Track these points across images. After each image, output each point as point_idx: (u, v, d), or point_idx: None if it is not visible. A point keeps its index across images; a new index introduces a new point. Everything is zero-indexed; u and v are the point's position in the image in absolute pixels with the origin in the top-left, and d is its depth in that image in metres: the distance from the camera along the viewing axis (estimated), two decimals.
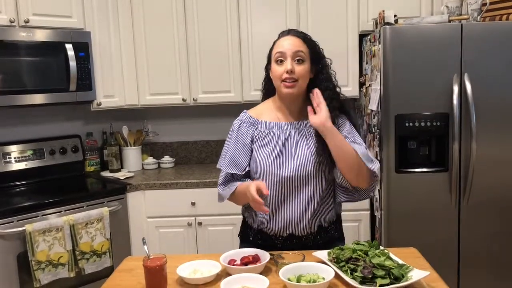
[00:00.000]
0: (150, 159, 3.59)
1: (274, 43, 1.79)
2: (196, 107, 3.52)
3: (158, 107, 3.47)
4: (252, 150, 1.80)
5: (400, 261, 1.55)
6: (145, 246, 1.60)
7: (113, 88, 3.22)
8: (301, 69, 1.70)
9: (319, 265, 1.54)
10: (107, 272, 2.63)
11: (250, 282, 1.47)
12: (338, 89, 1.79)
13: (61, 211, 2.69)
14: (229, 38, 3.27)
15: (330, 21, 3.17)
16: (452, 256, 2.74)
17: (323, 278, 1.47)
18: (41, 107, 3.11)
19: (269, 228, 1.80)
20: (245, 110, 1.88)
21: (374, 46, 2.85)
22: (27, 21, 2.77)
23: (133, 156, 3.51)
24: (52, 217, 2.64)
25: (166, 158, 3.62)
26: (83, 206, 2.77)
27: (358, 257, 1.54)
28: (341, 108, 1.78)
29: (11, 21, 2.72)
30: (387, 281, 1.42)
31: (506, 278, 2.73)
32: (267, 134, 1.78)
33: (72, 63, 2.90)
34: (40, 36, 2.82)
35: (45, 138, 3.24)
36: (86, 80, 3.00)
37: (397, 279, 1.44)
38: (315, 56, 1.75)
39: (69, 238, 2.61)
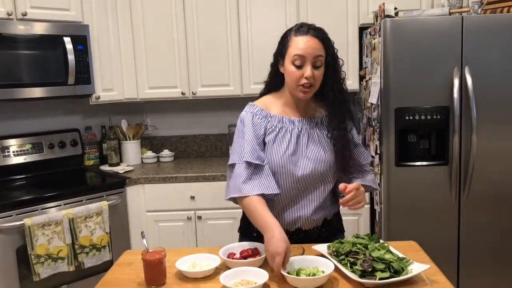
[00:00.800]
0: (149, 153, 3.58)
1: (287, 37, 1.70)
2: (195, 101, 3.51)
3: (157, 100, 3.45)
4: (264, 144, 1.74)
5: (400, 255, 1.54)
6: (144, 240, 1.60)
7: (111, 82, 3.21)
8: (318, 74, 1.68)
9: (318, 259, 1.54)
10: (106, 266, 2.62)
11: (249, 276, 1.47)
12: (346, 93, 1.77)
13: (60, 205, 2.68)
14: (228, 31, 3.25)
15: (330, 13, 3.15)
16: (452, 250, 2.74)
17: (323, 272, 1.47)
18: (40, 100, 3.10)
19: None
20: (250, 103, 1.81)
21: (374, 39, 2.84)
22: (24, 14, 2.75)
23: (132, 150, 3.50)
24: (51, 211, 2.63)
25: (165, 152, 3.62)
26: (82, 200, 2.77)
27: (358, 250, 1.53)
28: (349, 112, 1.78)
29: (8, 14, 2.70)
30: (387, 274, 1.41)
31: (506, 272, 2.73)
32: (280, 128, 1.74)
33: (71, 57, 2.88)
34: (38, 29, 2.80)
35: (44, 132, 3.23)
36: (84, 73, 2.99)
37: (397, 273, 1.44)
38: (331, 60, 1.71)
39: (68, 232, 2.61)
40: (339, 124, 1.73)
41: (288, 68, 1.69)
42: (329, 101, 1.73)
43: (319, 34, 1.68)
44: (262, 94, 1.89)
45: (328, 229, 1.82)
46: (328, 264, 1.49)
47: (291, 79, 1.69)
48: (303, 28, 1.68)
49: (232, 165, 1.72)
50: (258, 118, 1.74)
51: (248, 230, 1.83)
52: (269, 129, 1.74)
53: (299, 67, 1.66)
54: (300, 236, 1.78)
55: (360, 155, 1.82)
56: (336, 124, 1.73)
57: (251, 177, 1.66)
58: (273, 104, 1.79)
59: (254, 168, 1.68)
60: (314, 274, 1.45)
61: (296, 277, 1.44)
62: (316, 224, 1.80)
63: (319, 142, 1.74)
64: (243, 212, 1.89)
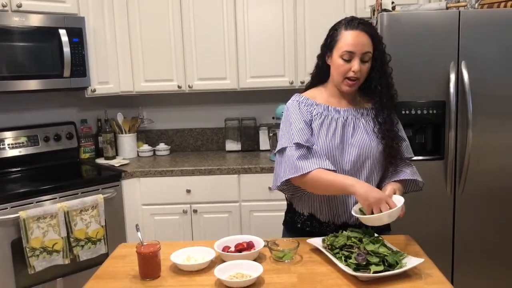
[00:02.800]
0: (145, 147, 3.57)
1: (337, 30, 1.71)
2: (192, 94, 3.50)
3: (154, 94, 3.44)
4: (311, 129, 1.74)
5: (395, 248, 1.55)
6: (139, 233, 1.60)
7: (107, 75, 3.19)
8: (365, 68, 1.70)
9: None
10: (102, 259, 2.60)
11: (244, 269, 1.47)
12: (393, 88, 1.78)
13: (55, 198, 2.68)
14: (225, 24, 3.24)
15: (327, 7, 3.14)
16: (447, 244, 2.74)
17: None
18: (35, 93, 3.09)
19: (322, 213, 1.77)
20: (297, 93, 1.83)
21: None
22: (19, 6, 2.73)
23: (128, 144, 3.49)
24: (46, 204, 2.62)
25: (162, 146, 3.61)
26: (78, 193, 2.76)
27: (352, 244, 1.54)
28: (395, 106, 1.79)
29: (3, 6, 2.67)
30: (381, 268, 1.42)
31: (500, 267, 2.74)
32: (326, 116, 1.75)
33: (66, 49, 2.87)
34: (33, 21, 2.78)
35: (39, 124, 3.22)
36: (80, 66, 2.97)
37: (391, 266, 1.44)
38: (379, 55, 1.72)
39: (63, 225, 2.60)
40: (386, 118, 1.74)
41: (336, 61, 1.71)
42: (376, 95, 1.75)
43: (369, 29, 1.69)
44: (308, 86, 1.90)
45: (375, 228, 1.67)
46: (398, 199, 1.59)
47: (338, 72, 1.71)
48: (354, 23, 1.69)
49: (281, 151, 1.72)
50: (304, 105, 1.76)
51: (293, 222, 1.85)
52: (315, 115, 1.75)
53: (347, 61, 1.68)
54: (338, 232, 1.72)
55: (405, 149, 1.81)
56: (383, 118, 1.74)
57: (305, 156, 1.66)
58: (320, 94, 1.81)
59: (306, 149, 1.68)
60: None
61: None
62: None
63: (364, 131, 1.75)
64: (288, 205, 1.90)
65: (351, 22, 1.69)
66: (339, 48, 1.69)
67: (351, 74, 1.69)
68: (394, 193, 1.64)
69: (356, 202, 1.65)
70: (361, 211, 1.61)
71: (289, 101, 1.82)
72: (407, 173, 1.78)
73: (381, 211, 1.53)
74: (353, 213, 1.62)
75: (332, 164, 1.68)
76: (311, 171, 1.63)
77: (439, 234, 2.73)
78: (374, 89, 1.74)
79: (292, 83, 3.27)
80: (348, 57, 1.68)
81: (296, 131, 1.70)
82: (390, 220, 1.56)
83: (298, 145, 1.68)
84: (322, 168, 1.64)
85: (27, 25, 2.75)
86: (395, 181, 1.74)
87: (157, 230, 3.09)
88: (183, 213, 3.08)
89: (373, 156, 1.74)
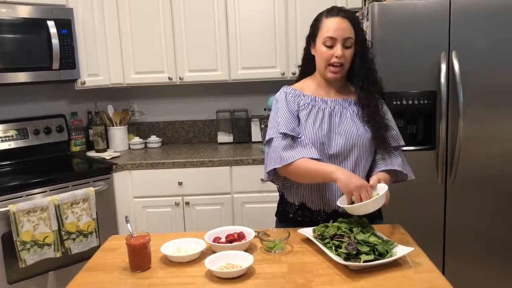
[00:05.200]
0: (137, 139, 3.55)
1: (319, 20, 1.76)
2: (183, 86, 3.48)
3: (144, 86, 3.42)
4: (298, 119, 1.77)
5: (385, 238, 1.55)
6: (128, 225, 1.59)
7: (97, 67, 3.16)
8: (348, 54, 1.73)
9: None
10: (94, 252, 2.57)
11: (234, 260, 1.47)
12: (376, 74, 1.79)
13: (46, 191, 2.66)
14: (215, 15, 3.21)
15: None
16: (438, 234, 2.76)
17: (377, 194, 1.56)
18: (24, 86, 3.05)
19: (313, 202, 1.78)
20: (286, 85, 1.86)
21: (362, 23, 2.82)
22: None
23: (119, 136, 3.47)
24: (36, 197, 2.61)
25: (153, 138, 3.59)
26: (69, 186, 2.75)
27: (342, 233, 1.54)
28: (380, 91, 1.81)
29: None
30: (371, 257, 1.42)
31: (492, 255, 2.76)
32: (313, 106, 1.77)
33: (55, 41, 2.84)
34: (21, 12, 2.74)
35: (28, 118, 3.19)
36: (69, 58, 2.94)
37: (381, 255, 1.44)
38: (360, 40, 1.75)
39: (54, 218, 2.59)
40: (369, 102, 1.75)
41: (319, 49, 1.74)
42: (359, 80, 1.76)
43: (349, 15, 1.74)
44: (298, 78, 1.93)
45: (367, 215, 1.65)
46: (382, 187, 1.60)
47: (322, 59, 1.74)
48: (334, 10, 1.74)
49: (269, 141, 1.77)
50: (291, 96, 1.80)
51: (285, 212, 1.86)
52: (302, 106, 1.78)
53: (330, 47, 1.71)
54: (336, 220, 1.70)
55: (394, 138, 1.81)
56: (366, 102, 1.75)
57: (290, 146, 1.71)
58: (308, 86, 1.84)
59: (292, 139, 1.72)
60: None
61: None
62: None
63: (351, 120, 1.76)
64: (280, 196, 1.92)
65: (331, 10, 1.75)
66: (321, 36, 1.73)
67: (334, 60, 1.71)
68: (379, 182, 1.64)
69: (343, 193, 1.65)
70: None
71: (278, 93, 1.85)
72: (396, 164, 1.78)
73: (361, 199, 1.54)
74: (338, 203, 1.63)
75: (321, 153, 1.71)
76: (294, 161, 1.67)
77: (431, 224, 2.74)
78: (358, 75, 1.76)
79: (283, 74, 3.26)
80: (331, 43, 1.71)
81: (282, 121, 1.74)
82: (374, 208, 1.57)
83: (284, 135, 1.72)
84: (306, 157, 1.67)
85: (15, 16, 2.71)
86: (382, 171, 1.75)
87: (149, 223, 3.07)
88: (175, 205, 3.07)
89: (361, 143, 1.74)
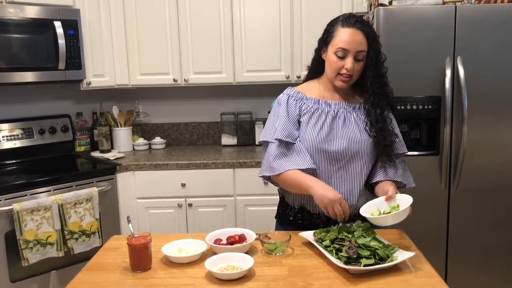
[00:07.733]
0: (141, 140, 3.56)
1: (334, 27, 1.72)
2: (188, 88, 3.49)
3: (149, 87, 3.43)
4: (299, 124, 1.77)
5: (386, 242, 1.55)
6: (130, 225, 1.59)
7: (103, 67, 3.18)
8: (358, 67, 1.72)
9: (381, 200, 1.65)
10: (96, 252, 2.62)
11: (235, 261, 1.47)
12: (388, 87, 1.79)
13: (50, 191, 2.67)
14: (221, 18, 3.22)
15: (323, 2, 3.12)
16: (441, 240, 2.74)
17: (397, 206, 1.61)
18: (30, 85, 3.07)
19: (313, 205, 1.78)
20: (290, 87, 1.86)
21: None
22: None
23: (123, 137, 3.48)
24: (40, 196, 2.62)
25: (157, 139, 3.60)
26: (72, 186, 2.76)
27: (343, 237, 1.54)
28: (389, 105, 1.81)
29: None
30: (372, 261, 1.42)
31: (495, 262, 2.74)
32: (315, 110, 1.77)
33: (61, 41, 2.85)
34: (28, 12, 2.76)
35: (34, 117, 3.21)
36: (75, 58, 2.96)
37: (382, 260, 1.44)
38: (374, 54, 1.72)
39: (57, 217, 2.60)
40: (378, 116, 1.74)
41: (330, 57, 1.73)
42: (368, 94, 1.75)
43: (365, 28, 1.70)
44: (306, 78, 1.93)
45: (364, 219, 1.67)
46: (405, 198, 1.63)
47: (332, 68, 1.73)
48: (351, 20, 1.70)
49: (265, 144, 1.79)
50: (293, 99, 1.79)
51: (285, 215, 1.86)
52: (304, 109, 1.77)
53: (341, 58, 1.69)
54: (330, 223, 1.72)
55: (398, 145, 1.81)
56: (376, 116, 1.74)
57: (282, 155, 1.72)
58: (314, 88, 1.83)
59: (285, 146, 1.73)
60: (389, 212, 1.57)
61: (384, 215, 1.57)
62: (354, 212, 1.73)
63: (355, 124, 1.76)
64: (280, 198, 1.93)
65: (348, 20, 1.70)
66: (334, 45, 1.71)
67: (343, 71, 1.70)
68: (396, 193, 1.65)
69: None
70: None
71: (281, 94, 1.85)
72: (396, 174, 1.79)
73: (334, 212, 1.57)
74: (361, 212, 1.62)
75: (322, 156, 1.71)
76: (282, 172, 1.70)
77: (433, 230, 2.73)
78: (368, 88, 1.74)
79: (288, 77, 3.26)
80: (342, 54, 1.69)
81: (279, 125, 1.75)
82: (395, 221, 1.57)
83: (279, 142, 1.73)
84: (295, 169, 1.68)
85: (22, 16, 2.74)
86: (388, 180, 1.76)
87: (152, 224, 3.08)
88: (178, 207, 3.08)
89: (363, 149, 1.74)
